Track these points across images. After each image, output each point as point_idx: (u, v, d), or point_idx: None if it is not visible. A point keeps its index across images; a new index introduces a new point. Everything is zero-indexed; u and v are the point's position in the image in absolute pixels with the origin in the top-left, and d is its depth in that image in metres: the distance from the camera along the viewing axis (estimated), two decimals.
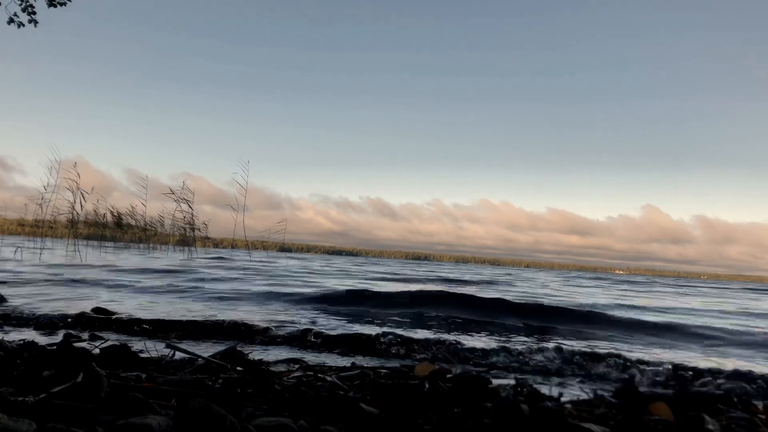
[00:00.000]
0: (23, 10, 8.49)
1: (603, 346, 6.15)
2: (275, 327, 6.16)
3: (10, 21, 8.47)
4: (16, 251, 19.00)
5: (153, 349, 4.15)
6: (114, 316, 6.37)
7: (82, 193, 20.06)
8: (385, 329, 6.31)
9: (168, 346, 3.54)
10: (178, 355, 3.65)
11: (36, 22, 8.61)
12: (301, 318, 7.41)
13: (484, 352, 5.18)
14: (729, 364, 5.37)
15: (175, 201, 22.07)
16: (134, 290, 10.33)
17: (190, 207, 22.27)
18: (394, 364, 4.29)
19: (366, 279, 19.97)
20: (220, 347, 4.46)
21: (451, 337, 6.11)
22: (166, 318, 6.43)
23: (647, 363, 4.86)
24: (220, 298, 9.63)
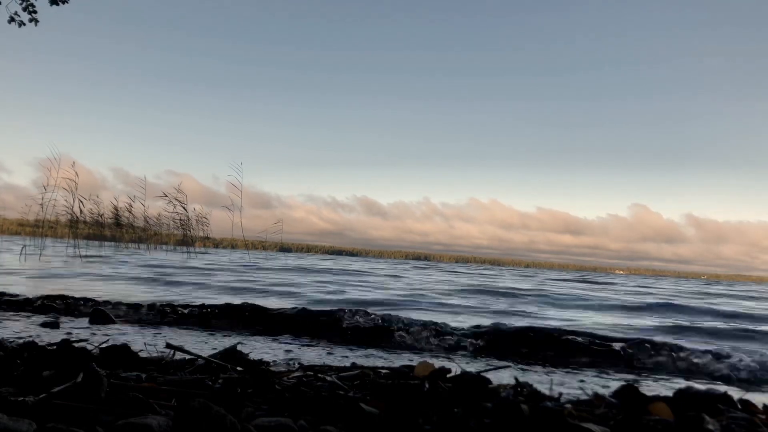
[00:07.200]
0: (24, 9, 8.48)
1: None
2: None
3: (11, 20, 8.45)
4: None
5: (153, 348, 4.15)
6: None
7: (91, 196, 20.09)
8: None
9: (168, 346, 3.53)
10: (178, 355, 3.65)
11: (37, 21, 8.59)
12: None
13: None
14: None
15: (171, 202, 22.09)
16: None
17: (184, 208, 22.31)
18: (395, 363, 4.29)
19: None
20: None
21: None
22: None
23: None
24: None
